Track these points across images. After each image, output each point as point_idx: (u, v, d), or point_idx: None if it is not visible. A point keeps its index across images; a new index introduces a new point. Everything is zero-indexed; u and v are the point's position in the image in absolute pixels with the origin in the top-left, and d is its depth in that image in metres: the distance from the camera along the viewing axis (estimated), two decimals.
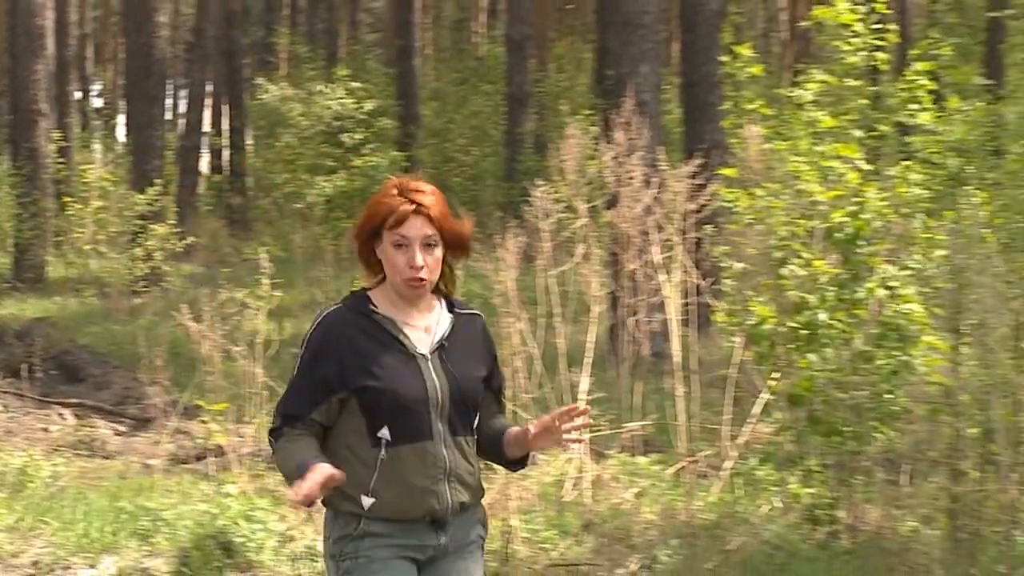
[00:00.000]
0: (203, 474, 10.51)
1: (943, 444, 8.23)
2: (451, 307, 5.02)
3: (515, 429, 5.04)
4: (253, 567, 8.47)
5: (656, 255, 10.18)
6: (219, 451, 10.56)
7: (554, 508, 9.48)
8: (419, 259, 4.79)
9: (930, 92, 10.04)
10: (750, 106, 10.62)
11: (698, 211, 10.43)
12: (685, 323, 10.09)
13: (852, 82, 9.74)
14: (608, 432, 10.18)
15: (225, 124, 42.56)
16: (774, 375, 9.18)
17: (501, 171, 32.37)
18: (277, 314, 13.53)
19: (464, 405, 4.92)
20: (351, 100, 28.74)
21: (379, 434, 4.80)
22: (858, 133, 9.55)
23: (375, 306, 4.91)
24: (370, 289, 4.97)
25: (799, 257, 9.09)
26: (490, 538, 8.77)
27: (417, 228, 4.80)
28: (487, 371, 5.05)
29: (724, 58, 12.32)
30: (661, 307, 10.20)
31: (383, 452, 4.81)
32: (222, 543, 8.60)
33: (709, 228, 10.77)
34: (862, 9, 9.81)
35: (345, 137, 27.97)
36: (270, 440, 4.95)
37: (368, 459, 4.83)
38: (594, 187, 10.95)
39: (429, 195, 4.87)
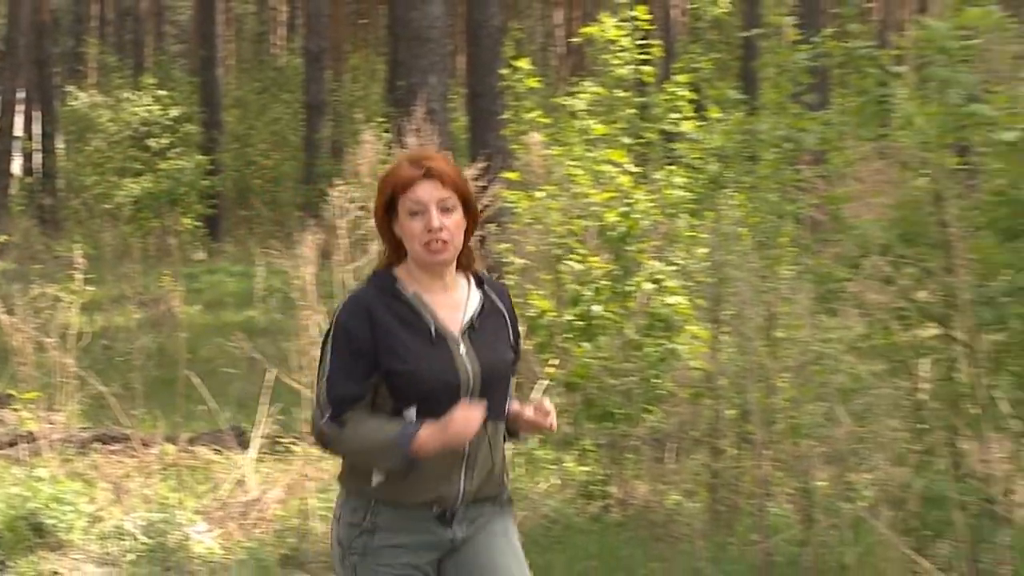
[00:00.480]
0: (15, 459, 10.25)
1: (704, 424, 8.36)
2: (480, 283, 4.45)
3: (513, 406, 4.48)
4: (64, 546, 8.28)
5: None
6: (31, 437, 10.32)
7: None
8: (436, 220, 4.21)
9: (691, 103, 10.21)
10: (529, 115, 10.71)
11: (482, 211, 10.49)
12: None
13: (621, 93, 9.86)
14: None
15: (37, 129, 41.57)
16: (552, 362, 9.25)
17: (300, 174, 32.18)
18: (88, 308, 13.25)
19: (496, 388, 4.36)
20: (157, 107, 28.46)
21: (404, 413, 4.23)
22: (627, 140, 9.67)
23: (401, 285, 4.33)
24: (394, 267, 4.38)
25: (575, 254, 9.17)
26: (287, 515, 8.80)
27: (430, 191, 4.23)
28: (514, 352, 4.50)
29: (506, 71, 12.40)
30: None
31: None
32: (33, 524, 8.38)
33: (492, 227, 10.83)
34: (629, 26, 9.93)
35: (152, 142, 27.68)
36: (327, 433, 4.28)
37: None
38: None
39: (439, 160, 4.33)
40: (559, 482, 9.27)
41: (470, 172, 10.66)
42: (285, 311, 12.35)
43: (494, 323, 4.41)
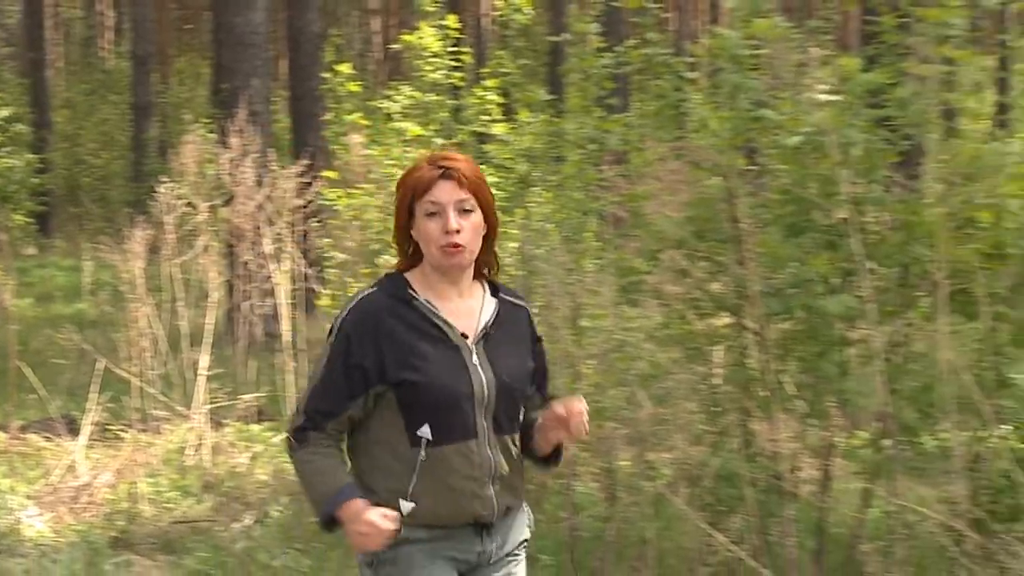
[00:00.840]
0: None
1: None
2: (495, 291, 4.05)
3: (539, 422, 4.04)
4: None
5: (268, 247, 10.14)
6: None
7: (177, 471, 9.33)
8: (453, 222, 3.80)
9: (501, 106, 10.24)
10: (349, 117, 10.67)
11: (304, 208, 10.48)
12: (294, 307, 10.06)
13: (435, 97, 9.85)
14: (226, 404, 10.08)
15: None
16: None
17: (128, 172, 31.62)
18: None
19: (511, 400, 3.95)
20: None
21: (419, 432, 3.82)
22: (441, 141, 9.66)
23: (414, 290, 3.91)
24: (406, 271, 3.98)
25: (392, 248, 9.13)
26: (117, 498, 8.67)
27: (448, 192, 3.83)
28: (533, 364, 4.08)
29: (326, 75, 12.34)
30: (272, 293, 10.17)
31: (423, 452, 3.83)
32: None
33: (314, 223, 10.78)
34: (441, 34, 9.94)
35: None
36: (290, 442, 3.95)
37: (406, 460, 3.84)
38: (213, 186, 10.87)
39: (460, 161, 3.92)
40: None
41: (292, 171, 10.62)
42: (115, 304, 12.13)
43: (511, 332, 4.01)
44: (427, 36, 10.01)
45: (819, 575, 6.31)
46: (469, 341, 3.89)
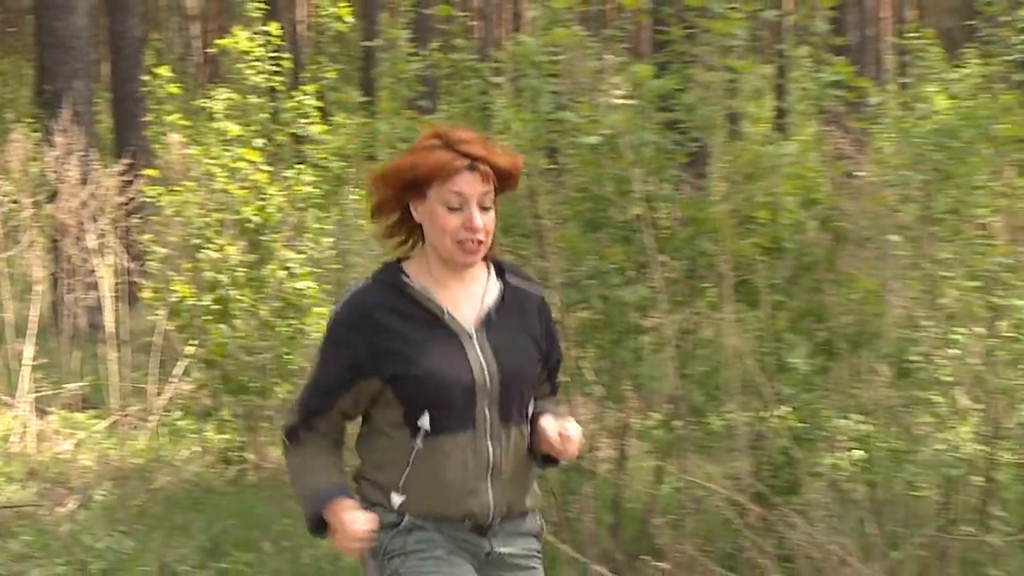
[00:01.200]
0: None
1: None
2: (500, 273, 3.61)
3: (543, 419, 3.59)
4: None
5: (91, 242, 9.97)
6: None
7: (1, 458, 9.13)
8: (478, 219, 3.41)
9: (317, 108, 10.19)
10: (170, 118, 10.53)
11: (127, 204, 10.35)
12: (117, 299, 9.89)
13: (254, 99, 9.75)
14: (50, 392, 9.89)
15: None
16: (192, 342, 9.12)
17: None
18: None
19: (516, 389, 3.52)
20: None
21: (419, 422, 3.43)
22: (260, 141, 9.57)
23: (408, 277, 3.51)
24: (403, 260, 3.57)
25: (213, 244, 9.04)
26: None
27: (473, 185, 3.41)
28: (543, 348, 3.65)
29: (147, 77, 12.16)
30: (96, 286, 9.99)
31: (419, 442, 3.45)
32: None
33: (136, 219, 10.63)
34: (261, 39, 9.85)
35: None
36: (284, 442, 3.63)
37: (404, 450, 3.47)
38: (37, 184, 10.68)
39: (478, 144, 3.46)
40: (200, 449, 9.17)
41: (115, 170, 10.45)
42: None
43: (516, 317, 3.58)
44: (243, 41, 9.89)
45: (615, 548, 6.39)
46: (469, 327, 3.49)
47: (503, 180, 3.48)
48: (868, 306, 6.41)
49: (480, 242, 3.44)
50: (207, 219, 9.22)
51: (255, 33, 9.90)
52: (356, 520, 3.41)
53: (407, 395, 3.43)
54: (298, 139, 10.33)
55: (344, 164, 10.02)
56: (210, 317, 8.97)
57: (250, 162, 9.29)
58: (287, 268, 9.04)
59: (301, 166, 9.80)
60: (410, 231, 3.55)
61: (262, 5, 10.17)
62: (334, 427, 3.58)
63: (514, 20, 33.42)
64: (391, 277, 3.51)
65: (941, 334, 6.26)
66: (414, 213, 3.49)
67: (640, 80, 6.57)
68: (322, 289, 9.09)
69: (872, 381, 6.46)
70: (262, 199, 9.18)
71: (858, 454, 6.18)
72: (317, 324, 8.78)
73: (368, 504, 3.50)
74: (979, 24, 7.14)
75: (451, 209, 3.41)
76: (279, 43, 10.05)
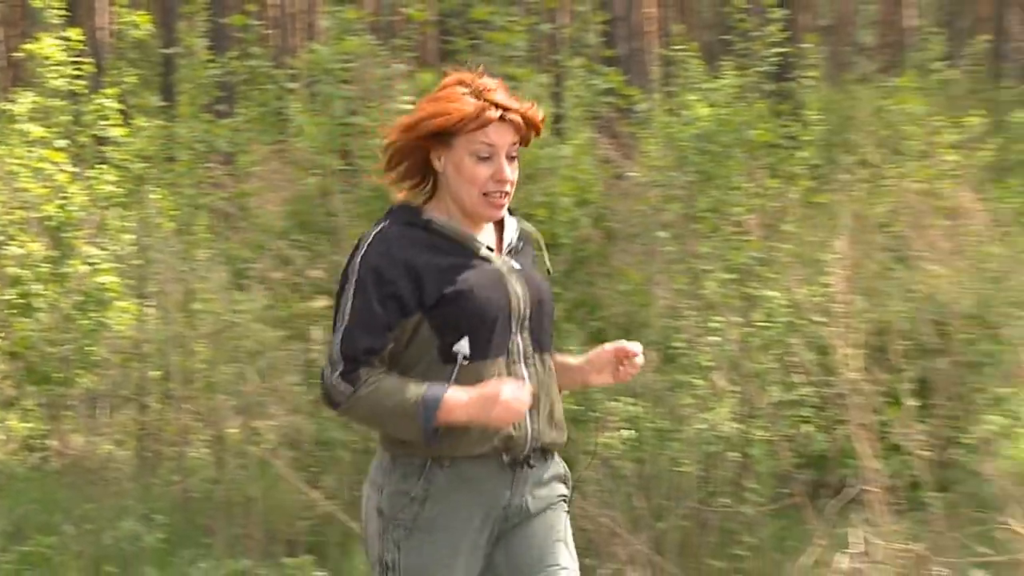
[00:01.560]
0: None
1: (132, 384, 8.22)
2: (511, 211, 3.35)
3: (561, 360, 3.37)
4: None
5: None
6: None
7: None
8: (508, 171, 3.15)
9: (119, 112, 10.00)
10: None
11: None
12: None
13: (57, 102, 9.53)
14: None
15: None
16: None
17: None
18: None
19: (547, 318, 3.28)
20: None
21: (455, 348, 3.11)
22: (63, 142, 9.35)
23: (431, 216, 3.22)
24: (415, 205, 3.27)
25: (16, 240, 8.81)
26: None
27: (505, 136, 3.15)
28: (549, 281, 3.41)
29: None
30: None
31: (456, 369, 3.11)
32: None
33: None
34: (63, 44, 9.62)
35: None
36: (338, 392, 3.12)
37: (438, 379, 3.10)
38: None
39: (506, 93, 3.19)
40: (4, 437, 8.92)
41: None
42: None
43: (530, 254, 3.36)
44: (47, 46, 9.65)
45: None
46: (499, 255, 3.24)
47: (529, 131, 3.22)
48: (636, 297, 6.57)
49: (507, 194, 3.18)
50: (10, 217, 8.98)
51: (57, 39, 9.66)
52: (517, 393, 3.04)
53: (447, 321, 3.10)
54: (100, 141, 10.12)
55: (145, 165, 9.85)
56: (14, 311, 8.74)
57: (53, 163, 9.08)
58: (89, 264, 8.85)
59: (103, 166, 9.60)
60: (424, 178, 3.25)
61: (63, 12, 9.93)
62: (385, 366, 3.15)
63: (308, 29, 33.15)
64: (411, 216, 3.21)
65: (702, 322, 6.42)
66: (436, 163, 3.20)
67: (426, 87, 6.62)
68: (124, 284, 8.93)
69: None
70: (64, 198, 8.98)
71: (627, 434, 6.31)
72: (119, 317, 8.62)
73: (392, 457, 3.18)
74: (734, 38, 7.35)
75: (481, 159, 3.14)
76: (80, 48, 9.82)
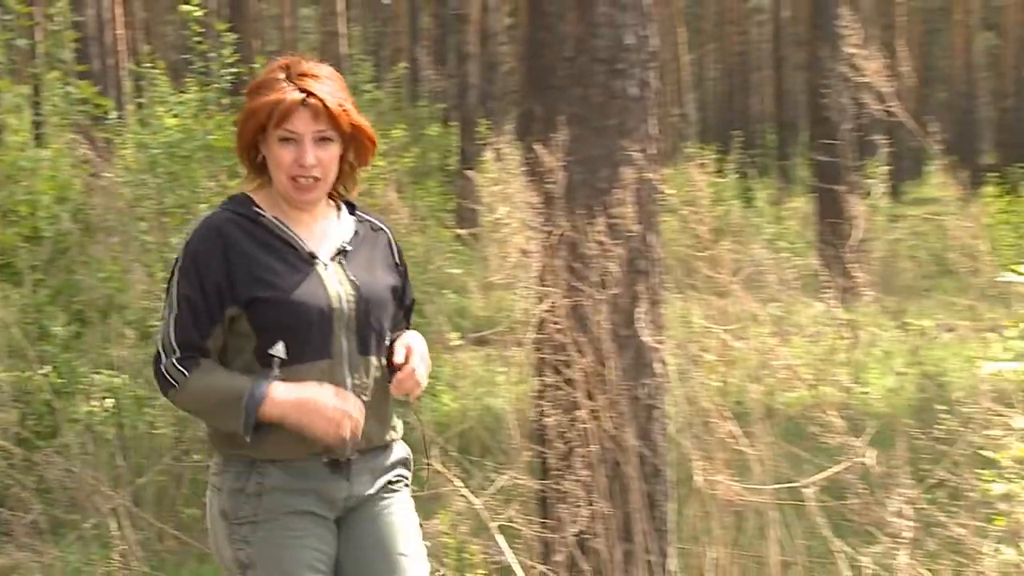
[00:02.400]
0: None
1: None
2: (352, 210, 2.93)
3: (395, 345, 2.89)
4: None
5: None
6: None
7: None
8: (310, 157, 2.72)
9: None
10: None
11: None
12: None
13: None
14: None
15: None
16: None
17: None
18: None
19: (375, 319, 2.81)
20: None
21: (271, 351, 2.69)
22: None
23: (260, 208, 2.79)
24: (252, 193, 2.83)
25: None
26: None
27: (307, 121, 2.72)
28: (397, 284, 2.94)
29: None
30: None
31: (275, 372, 2.69)
32: None
33: None
34: None
35: None
36: (169, 377, 2.70)
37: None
38: None
39: (324, 80, 2.76)
40: None
41: None
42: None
43: (370, 250, 2.90)
44: None
45: None
46: (324, 257, 2.81)
47: (355, 142, 2.83)
48: (114, 283, 6.49)
49: (316, 179, 2.77)
50: None
51: None
52: (344, 407, 2.69)
53: (263, 321, 2.72)
54: None
55: None
56: None
57: None
58: None
59: None
60: (262, 170, 2.84)
61: None
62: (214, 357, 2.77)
63: None
64: (243, 207, 2.81)
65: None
66: (262, 151, 2.81)
67: None
68: None
69: (120, 343, 6.53)
70: None
71: (109, 402, 6.24)
72: None
73: (224, 457, 2.78)
74: (194, 58, 7.38)
75: (284, 141, 2.75)
76: None
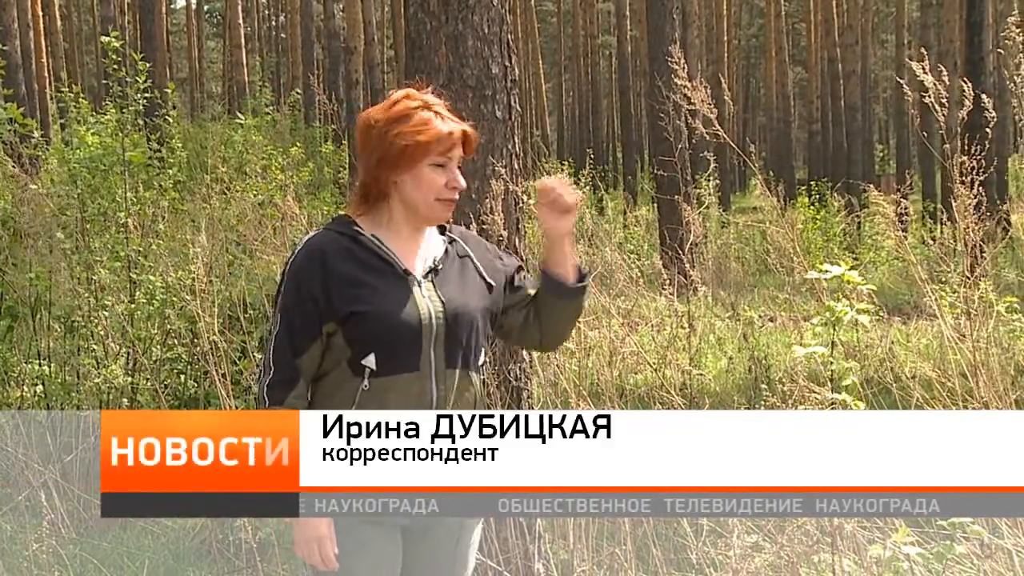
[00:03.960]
0: None
1: None
2: (442, 230, 2.79)
3: (543, 264, 2.77)
4: None
5: None
6: None
7: None
8: (461, 179, 2.68)
9: None
10: None
11: None
12: None
13: None
14: None
15: None
16: None
17: None
18: None
19: (463, 334, 2.67)
20: None
21: (363, 362, 2.58)
22: None
23: (360, 228, 2.67)
24: (355, 215, 2.71)
25: None
26: None
27: (458, 149, 2.67)
28: (489, 304, 2.75)
29: None
30: None
31: (365, 382, 2.59)
32: None
33: None
34: None
35: None
36: (266, 399, 2.60)
37: (349, 391, 2.60)
38: None
39: (446, 108, 2.69)
40: None
41: None
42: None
43: (461, 268, 2.75)
44: None
45: None
46: (418, 274, 2.69)
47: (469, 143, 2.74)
48: (41, 282, 6.32)
49: (456, 200, 2.72)
50: None
51: None
52: (321, 549, 2.59)
53: (358, 335, 2.60)
54: None
55: None
56: None
57: None
58: None
59: None
60: (380, 196, 2.72)
61: None
62: (310, 377, 2.66)
63: None
64: (344, 227, 2.69)
65: (96, 301, 6.30)
66: (395, 179, 2.69)
67: None
68: None
69: (49, 335, 6.39)
70: None
71: (39, 388, 6.08)
72: None
73: None
74: (112, 84, 7.24)
75: (436, 167, 2.66)
76: None
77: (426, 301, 2.66)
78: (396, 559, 2.70)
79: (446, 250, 2.76)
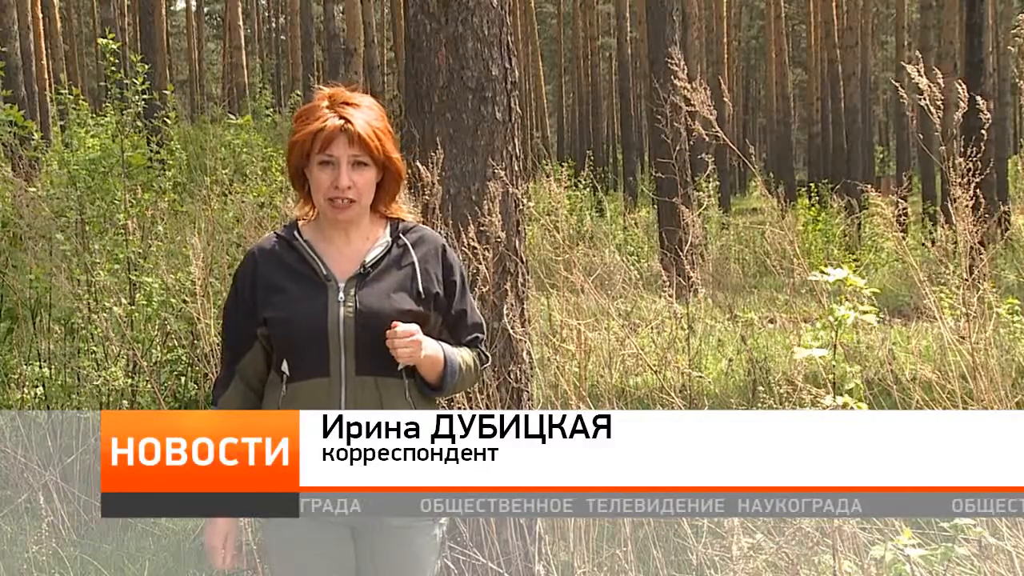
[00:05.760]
0: None
1: None
2: (396, 231, 2.74)
3: None
4: None
5: None
6: None
7: None
8: (345, 179, 2.61)
9: None
10: None
11: None
12: None
13: None
14: None
15: None
16: None
17: None
18: None
19: (375, 339, 2.61)
20: None
21: (281, 368, 2.64)
22: None
23: (299, 232, 2.71)
24: (303, 218, 2.74)
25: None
26: None
27: (344, 146, 2.60)
28: (415, 308, 2.68)
29: None
30: None
31: (283, 389, 2.64)
32: None
33: None
34: None
35: None
36: (213, 396, 2.75)
37: (275, 395, 2.67)
38: None
39: (364, 109, 2.64)
40: None
41: None
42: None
43: (396, 273, 2.70)
44: None
45: None
46: (339, 279, 2.66)
47: (388, 171, 2.71)
48: (40, 284, 6.32)
49: (351, 200, 2.65)
50: None
51: None
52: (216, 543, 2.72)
53: (274, 339, 2.66)
54: None
55: None
56: None
57: None
58: None
59: None
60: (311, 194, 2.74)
61: None
62: (258, 377, 2.73)
63: None
64: (286, 231, 2.74)
65: (96, 303, 6.30)
66: (307, 174, 2.70)
67: None
68: None
69: (49, 337, 6.38)
70: None
71: (39, 390, 6.08)
72: None
73: None
74: (111, 86, 7.23)
75: (323, 164, 2.64)
76: None
77: (339, 307, 2.64)
78: (348, 555, 2.72)
79: (385, 254, 2.72)
